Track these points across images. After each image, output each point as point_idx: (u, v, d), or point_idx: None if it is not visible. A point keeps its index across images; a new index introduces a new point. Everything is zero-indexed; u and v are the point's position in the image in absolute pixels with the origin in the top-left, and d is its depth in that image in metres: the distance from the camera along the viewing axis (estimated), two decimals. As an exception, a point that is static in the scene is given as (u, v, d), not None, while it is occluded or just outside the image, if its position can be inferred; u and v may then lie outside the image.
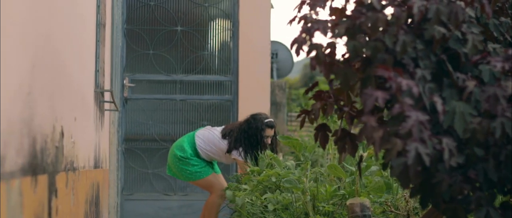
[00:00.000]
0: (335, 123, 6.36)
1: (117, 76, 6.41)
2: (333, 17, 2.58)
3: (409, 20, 2.49)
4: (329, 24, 2.35)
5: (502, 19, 2.61)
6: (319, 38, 3.45)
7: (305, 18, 2.49)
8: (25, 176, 2.11)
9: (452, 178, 2.26)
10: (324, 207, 3.83)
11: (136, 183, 6.72)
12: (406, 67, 2.28)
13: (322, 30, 2.32)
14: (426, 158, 2.09)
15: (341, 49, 3.09)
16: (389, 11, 2.57)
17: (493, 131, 2.22)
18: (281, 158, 5.54)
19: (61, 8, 2.90)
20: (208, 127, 5.54)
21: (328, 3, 2.47)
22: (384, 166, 2.68)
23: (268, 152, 4.87)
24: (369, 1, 2.47)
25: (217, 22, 6.75)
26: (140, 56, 6.66)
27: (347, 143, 2.78)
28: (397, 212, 3.72)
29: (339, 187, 3.98)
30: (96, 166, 4.87)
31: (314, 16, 2.49)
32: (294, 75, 25.38)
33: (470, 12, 2.44)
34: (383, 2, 2.40)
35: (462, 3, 2.35)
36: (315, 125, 10.38)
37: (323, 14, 2.75)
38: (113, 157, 6.47)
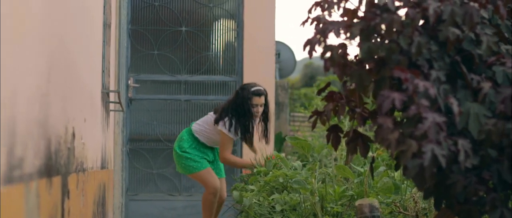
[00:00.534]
0: (342, 123, 6.36)
1: (122, 77, 6.41)
2: (345, 19, 2.59)
3: (421, 22, 2.50)
4: (344, 26, 2.35)
5: (515, 20, 2.61)
6: (330, 39, 3.45)
7: (318, 19, 2.49)
8: (42, 178, 2.11)
9: (466, 179, 2.26)
10: (333, 208, 3.83)
11: (140, 183, 6.72)
12: (421, 69, 2.29)
13: (336, 31, 2.32)
14: (442, 159, 2.10)
15: (351, 51, 3.09)
16: (400, 12, 2.58)
17: (507, 132, 2.23)
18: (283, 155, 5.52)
19: (73, 10, 2.90)
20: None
21: (341, 4, 2.47)
22: (396, 167, 2.69)
23: (275, 153, 4.86)
24: (382, 3, 2.47)
25: (221, 22, 6.75)
26: (144, 56, 6.66)
27: (358, 144, 2.78)
28: (405, 213, 3.72)
29: (347, 187, 3.98)
30: (103, 166, 4.87)
31: (327, 18, 2.49)
32: (295, 75, 25.39)
33: (483, 13, 2.44)
34: (397, 4, 2.40)
35: (476, 5, 2.36)
36: (318, 125, 10.27)
37: (335, 15, 2.76)
38: (118, 157, 6.47)
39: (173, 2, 6.65)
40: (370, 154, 3.78)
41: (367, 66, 2.56)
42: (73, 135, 2.88)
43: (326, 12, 2.55)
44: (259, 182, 4.66)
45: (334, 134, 2.79)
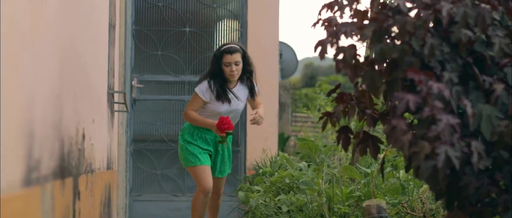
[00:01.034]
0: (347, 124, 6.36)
1: (127, 78, 6.42)
2: (355, 20, 2.59)
3: (431, 24, 2.50)
4: (356, 27, 2.35)
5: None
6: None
7: (329, 21, 2.50)
8: (56, 180, 2.11)
9: (479, 180, 2.27)
10: (340, 208, 3.83)
11: (144, 184, 6.72)
12: (433, 70, 2.29)
13: (349, 33, 2.33)
14: (456, 161, 2.10)
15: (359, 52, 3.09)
16: (410, 14, 2.58)
17: (520, 133, 2.23)
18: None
19: (83, 11, 2.90)
20: None
21: (353, 6, 2.47)
22: (407, 168, 2.69)
23: (281, 153, 4.86)
24: (394, 4, 2.48)
25: (225, 23, 6.75)
26: (148, 57, 6.67)
27: (369, 145, 2.79)
28: (413, 214, 3.73)
29: (354, 188, 3.99)
30: (108, 167, 4.87)
31: (339, 19, 2.49)
32: (295, 76, 25.38)
33: (494, 15, 2.44)
34: (408, 5, 2.40)
35: (488, 6, 2.36)
36: (317, 126, 10.23)
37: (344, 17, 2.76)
38: (122, 157, 6.46)
39: (177, 3, 6.65)
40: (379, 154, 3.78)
41: (376, 68, 2.57)
42: (83, 136, 2.88)
43: (337, 14, 2.56)
44: (265, 183, 4.66)
45: (344, 135, 2.79)
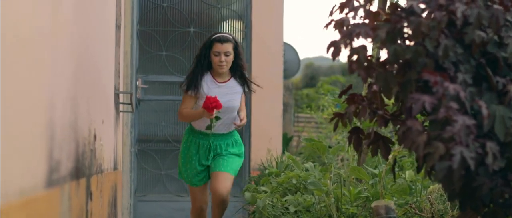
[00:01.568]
0: (355, 124, 6.36)
1: (132, 78, 6.42)
2: (366, 21, 2.60)
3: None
4: (370, 28, 2.36)
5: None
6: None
7: (342, 22, 2.50)
8: (72, 180, 2.12)
9: (492, 181, 2.27)
10: (349, 209, 3.83)
11: (149, 184, 6.72)
12: (447, 71, 2.29)
13: (364, 34, 2.33)
14: (471, 161, 2.10)
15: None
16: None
17: (534, 134, 2.23)
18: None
19: (94, 12, 2.91)
20: None
21: (366, 7, 2.48)
22: (418, 169, 2.69)
23: (287, 154, 4.86)
24: (406, 5, 2.48)
25: (229, 23, 6.75)
26: (153, 57, 6.67)
27: (380, 146, 2.79)
28: (421, 214, 3.73)
29: (362, 189, 3.99)
30: (114, 168, 4.88)
31: (352, 20, 2.50)
32: (296, 76, 25.35)
33: (507, 16, 2.45)
34: (421, 6, 2.41)
35: (501, 8, 2.36)
36: (321, 126, 10.22)
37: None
38: (126, 158, 6.47)
39: (181, 3, 6.66)
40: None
41: (386, 68, 2.57)
42: (95, 136, 2.89)
43: (349, 15, 2.56)
44: (271, 183, 4.67)
45: (355, 136, 2.80)
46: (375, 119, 2.71)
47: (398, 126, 2.67)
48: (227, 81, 4.46)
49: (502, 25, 2.37)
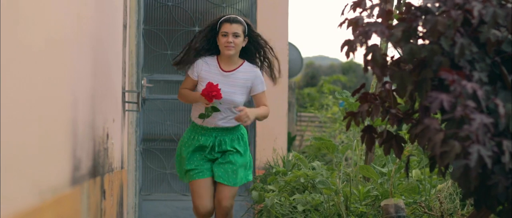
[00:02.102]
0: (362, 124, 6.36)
1: (138, 77, 6.42)
2: (379, 20, 2.61)
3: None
4: (385, 27, 2.36)
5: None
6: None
7: (357, 21, 2.50)
8: (90, 179, 2.12)
9: (508, 180, 2.28)
10: (358, 208, 3.84)
11: (154, 183, 6.73)
12: (463, 70, 2.30)
13: (380, 33, 2.33)
14: (488, 160, 2.11)
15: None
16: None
17: (549, 133, 2.24)
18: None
19: (107, 11, 2.92)
20: None
21: (381, 6, 2.48)
22: (431, 168, 2.70)
23: (294, 153, 4.86)
24: (421, 4, 2.49)
25: (234, 22, 6.74)
26: (158, 56, 6.67)
27: (393, 145, 2.80)
28: (430, 213, 3.74)
29: (371, 188, 3.99)
30: (121, 167, 4.89)
31: (365, 19, 2.50)
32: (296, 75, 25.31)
33: (521, 15, 2.45)
34: (436, 5, 2.41)
35: (516, 6, 2.37)
36: (324, 125, 10.21)
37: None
38: (131, 157, 6.47)
39: (186, 2, 6.66)
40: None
41: (400, 67, 2.58)
42: (107, 135, 2.89)
43: (364, 13, 2.57)
44: (279, 182, 4.67)
45: (368, 134, 2.80)
46: (388, 117, 2.72)
47: (411, 125, 2.69)
48: (233, 70, 4.01)
49: (517, 24, 2.37)
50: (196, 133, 4.05)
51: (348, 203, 3.88)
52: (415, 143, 3.38)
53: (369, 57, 2.37)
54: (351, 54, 2.59)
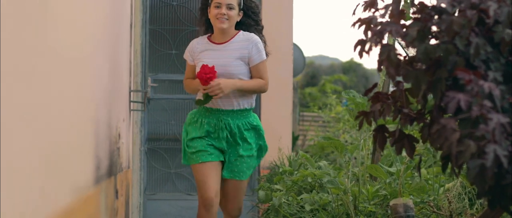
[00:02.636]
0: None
1: (143, 76, 6.42)
2: (391, 20, 2.61)
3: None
4: (400, 27, 2.36)
5: None
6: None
7: (370, 20, 2.51)
8: (107, 178, 2.13)
9: (523, 179, 2.28)
10: (367, 207, 3.84)
11: (158, 183, 6.73)
12: (478, 70, 2.30)
13: (395, 32, 2.34)
14: (504, 159, 2.11)
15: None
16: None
17: None
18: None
19: (118, 10, 2.92)
20: None
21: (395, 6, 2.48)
22: (443, 168, 2.70)
23: (301, 153, 4.86)
24: (433, 4, 2.49)
25: (239, 22, 6.75)
26: (162, 56, 6.67)
27: (405, 144, 2.80)
28: (439, 213, 3.74)
29: (380, 187, 4.00)
30: (128, 166, 4.89)
31: (379, 19, 2.51)
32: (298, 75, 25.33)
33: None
34: (451, 4, 2.41)
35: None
36: (328, 125, 10.20)
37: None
38: (136, 156, 6.47)
39: (191, 2, 6.66)
40: (403, 154, 3.79)
41: (413, 66, 2.58)
42: (119, 135, 2.90)
43: (377, 13, 2.57)
44: (286, 182, 4.68)
45: (380, 134, 2.80)
46: (400, 117, 2.73)
47: (422, 124, 2.69)
48: (226, 42, 3.71)
49: (531, 24, 2.37)
50: (200, 115, 3.70)
51: (357, 202, 3.89)
52: (422, 143, 3.39)
53: (384, 56, 2.37)
54: (364, 54, 2.60)
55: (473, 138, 2.18)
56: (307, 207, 4.20)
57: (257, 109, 6.57)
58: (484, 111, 2.11)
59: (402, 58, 2.56)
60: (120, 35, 3.12)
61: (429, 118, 2.63)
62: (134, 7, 6.00)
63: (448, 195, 3.73)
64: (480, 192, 2.45)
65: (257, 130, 3.78)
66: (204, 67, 3.51)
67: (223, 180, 3.72)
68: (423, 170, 4.84)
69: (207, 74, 3.49)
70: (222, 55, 3.66)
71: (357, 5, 2.82)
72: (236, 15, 3.70)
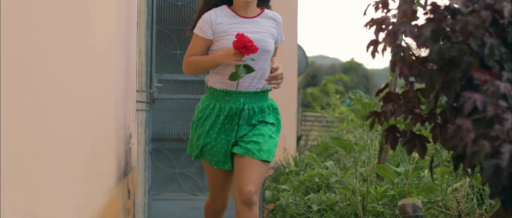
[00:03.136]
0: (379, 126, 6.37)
1: (148, 77, 6.43)
2: (403, 20, 2.61)
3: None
4: (414, 27, 2.37)
5: None
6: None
7: (383, 20, 2.51)
8: (124, 178, 2.14)
9: (536, 179, 2.28)
10: (375, 207, 3.85)
11: (163, 183, 6.73)
12: (492, 70, 2.31)
13: (409, 33, 2.34)
14: (520, 160, 2.12)
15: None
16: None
17: None
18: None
19: (131, 12, 2.93)
20: None
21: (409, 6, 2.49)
22: (455, 167, 2.71)
23: (308, 153, 4.87)
24: (446, 4, 2.50)
25: (244, 22, 6.75)
26: (167, 56, 6.68)
27: (416, 144, 2.80)
28: (447, 213, 3.74)
29: (388, 187, 4.00)
30: (134, 166, 4.90)
31: (391, 19, 2.51)
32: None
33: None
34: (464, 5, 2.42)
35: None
36: (332, 125, 10.19)
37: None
38: (141, 156, 6.48)
39: (196, 2, 6.66)
40: (414, 154, 3.80)
41: (425, 66, 2.58)
42: (130, 135, 2.90)
43: (389, 13, 2.58)
44: (292, 182, 4.68)
45: (392, 134, 2.81)
46: (411, 117, 2.73)
47: (433, 124, 2.70)
48: (255, 17, 3.36)
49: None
50: (216, 100, 3.17)
51: (365, 202, 3.89)
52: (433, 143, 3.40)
53: (398, 57, 2.37)
54: (376, 54, 2.61)
55: (488, 138, 2.19)
56: (315, 207, 4.20)
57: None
58: (499, 111, 2.11)
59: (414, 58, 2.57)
60: (132, 35, 3.13)
61: (439, 118, 2.64)
62: (139, 8, 6.01)
63: (456, 195, 3.74)
64: (493, 192, 2.46)
65: (275, 109, 3.45)
66: (241, 35, 3.05)
67: (235, 156, 3.18)
68: (427, 171, 4.85)
69: (248, 42, 3.02)
70: (259, 30, 3.29)
71: (368, 5, 2.83)
72: None
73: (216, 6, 3.28)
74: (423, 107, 2.80)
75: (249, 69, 3.10)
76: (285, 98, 6.64)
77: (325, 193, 4.32)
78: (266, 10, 3.44)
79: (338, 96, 9.06)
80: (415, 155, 4.67)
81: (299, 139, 9.23)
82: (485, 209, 3.73)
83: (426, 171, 4.76)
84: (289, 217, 4.17)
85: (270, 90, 3.43)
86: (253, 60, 3.14)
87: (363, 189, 3.94)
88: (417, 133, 2.83)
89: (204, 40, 3.16)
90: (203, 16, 3.22)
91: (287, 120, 6.69)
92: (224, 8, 3.28)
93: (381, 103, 2.77)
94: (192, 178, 6.72)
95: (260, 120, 3.28)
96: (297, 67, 11.45)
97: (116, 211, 1.50)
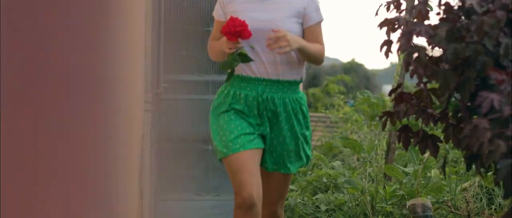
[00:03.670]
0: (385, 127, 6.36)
1: (154, 77, 6.43)
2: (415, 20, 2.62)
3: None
4: (429, 27, 2.37)
5: None
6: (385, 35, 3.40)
7: (397, 20, 2.52)
8: (139, 179, 2.14)
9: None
10: (384, 207, 3.85)
11: (168, 184, 6.73)
12: (507, 70, 2.31)
13: (425, 33, 2.34)
14: (536, 159, 2.12)
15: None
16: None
17: None
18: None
19: (144, 13, 2.93)
20: None
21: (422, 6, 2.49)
22: (468, 167, 2.71)
23: (316, 153, 4.86)
24: (460, 4, 2.50)
25: (249, 22, 6.75)
26: (173, 56, 6.68)
27: (429, 144, 2.81)
28: (457, 212, 3.74)
29: (397, 187, 4.00)
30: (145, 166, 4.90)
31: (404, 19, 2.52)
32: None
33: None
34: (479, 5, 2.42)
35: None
36: (336, 125, 10.18)
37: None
38: (146, 157, 6.47)
39: (201, 2, 6.66)
40: (426, 154, 3.80)
41: (439, 66, 2.59)
42: (142, 135, 2.90)
43: (402, 14, 2.58)
44: (300, 182, 4.68)
45: (404, 134, 2.81)
46: (423, 117, 2.73)
47: (445, 124, 2.70)
48: None
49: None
50: (231, 85, 2.89)
51: (374, 202, 3.89)
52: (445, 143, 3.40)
53: (414, 57, 2.38)
54: (390, 54, 2.62)
55: (503, 138, 2.19)
56: (323, 207, 4.21)
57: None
58: (516, 111, 2.11)
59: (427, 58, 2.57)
60: (143, 34, 3.14)
61: (451, 118, 2.65)
62: (146, 7, 6.00)
63: (466, 195, 3.74)
64: (507, 192, 2.46)
65: (305, 113, 2.96)
66: (233, 19, 2.69)
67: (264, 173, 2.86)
68: (435, 170, 4.85)
69: (236, 27, 2.65)
70: (272, 9, 2.87)
71: (380, 6, 2.84)
72: None
73: None
74: (435, 107, 2.81)
75: (245, 58, 2.73)
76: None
77: (333, 193, 4.32)
78: None
79: (342, 96, 9.05)
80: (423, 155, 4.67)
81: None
82: (495, 209, 3.73)
83: (433, 171, 4.76)
84: (297, 217, 4.17)
85: (301, 81, 2.95)
86: (252, 47, 2.79)
87: (372, 189, 3.94)
88: (429, 133, 2.84)
89: (218, 22, 2.94)
90: None
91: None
92: None
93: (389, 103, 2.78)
94: (197, 179, 6.72)
95: (285, 124, 2.87)
96: (301, 67, 11.47)
97: (136, 210, 1.51)
